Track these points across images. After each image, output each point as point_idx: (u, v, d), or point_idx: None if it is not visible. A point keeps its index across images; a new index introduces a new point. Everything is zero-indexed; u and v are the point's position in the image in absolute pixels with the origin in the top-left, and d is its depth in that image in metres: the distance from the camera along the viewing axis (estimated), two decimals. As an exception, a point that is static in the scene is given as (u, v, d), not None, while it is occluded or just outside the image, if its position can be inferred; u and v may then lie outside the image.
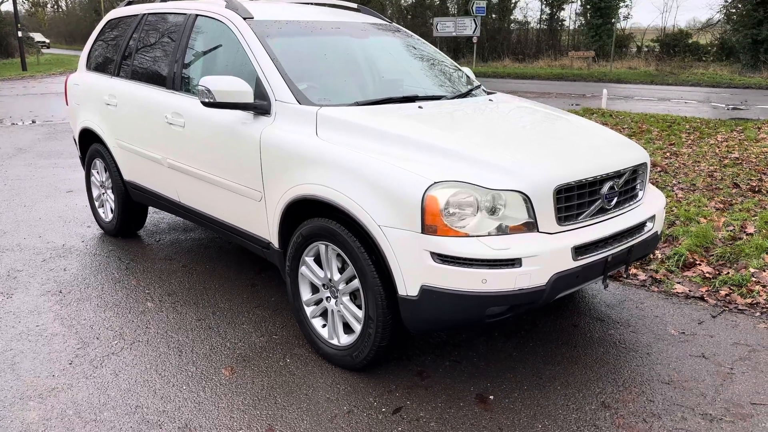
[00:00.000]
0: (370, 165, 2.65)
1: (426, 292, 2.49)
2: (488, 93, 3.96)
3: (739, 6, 25.02)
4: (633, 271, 4.14)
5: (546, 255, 2.52)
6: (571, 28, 34.61)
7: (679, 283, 3.97)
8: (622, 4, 29.57)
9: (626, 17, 28.38)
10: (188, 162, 3.70)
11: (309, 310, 3.10)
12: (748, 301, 3.70)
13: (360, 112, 3.05)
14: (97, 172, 4.92)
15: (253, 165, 3.17)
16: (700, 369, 2.99)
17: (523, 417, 2.61)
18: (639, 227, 3.00)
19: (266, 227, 3.23)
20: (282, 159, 3.01)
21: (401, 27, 4.53)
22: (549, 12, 34.32)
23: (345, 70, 3.71)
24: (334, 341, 2.98)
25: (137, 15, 4.50)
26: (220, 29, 3.65)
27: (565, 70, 26.10)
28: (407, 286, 2.53)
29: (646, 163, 3.16)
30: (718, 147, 8.25)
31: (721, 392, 2.79)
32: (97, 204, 5.04)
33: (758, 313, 3.57)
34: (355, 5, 4.54)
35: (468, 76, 4.21)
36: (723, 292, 3.81)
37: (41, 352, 3.12)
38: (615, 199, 2.89)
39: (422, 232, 2.46)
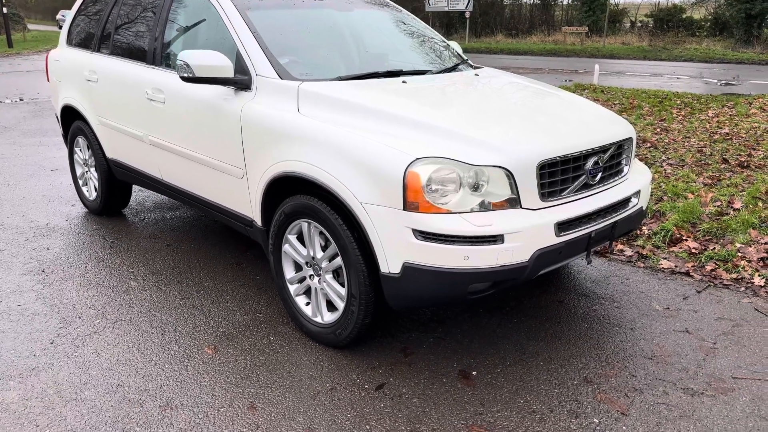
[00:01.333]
0: (352, 141, 2.60)
1: (408, 269, 2.47)
2: (474, 67, 3.90)
3: (733, -20, 24.80)
4: (619, 246, 4.13)
5: (528, 231, 2.49)
6: (565, 3, 34.28)
7: (665, 258, 3.97)
8: (616, -22, 29.30)
9: (620, -8, 28.11)
10: (170, 139, 3.64)
11: (292, 288, 3.08)
12: (734, 276, 3.70)
13: (342, 87, 3.00)
14: (80, 150, 4.85)
15: (234, 142, 3.12)
16: (683, 344, 3.00)
17: (505, 392, 2.62)
18: (623, 203, 2.98)
19: (249, 205, 3.19)
20: (263, 135, 2.97)
21: (389, 1, 4.44)
22: (543, -13, 33.96)
23: (328, 44, 3.64)
24: (318, 319, 2.97)
25: (117, -12, 4.39)
26: (200, 2, 3.56)
27: (558, 46, 25.91)
28: (389, 263, 2.51)
29: (631, 138, 3.13)
30: (709, 122, 8.23)
31: (704, 367, 2.81)
32: (80, 182, 4.98)
33: (743, 288, 3.58)
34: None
35: (456, 51, 4.15)
36: (709, 268, 3.82)
37: (22, 332, 3.09)
38: (599, 175, 2.86)
39: (404, 209, 2.43)
